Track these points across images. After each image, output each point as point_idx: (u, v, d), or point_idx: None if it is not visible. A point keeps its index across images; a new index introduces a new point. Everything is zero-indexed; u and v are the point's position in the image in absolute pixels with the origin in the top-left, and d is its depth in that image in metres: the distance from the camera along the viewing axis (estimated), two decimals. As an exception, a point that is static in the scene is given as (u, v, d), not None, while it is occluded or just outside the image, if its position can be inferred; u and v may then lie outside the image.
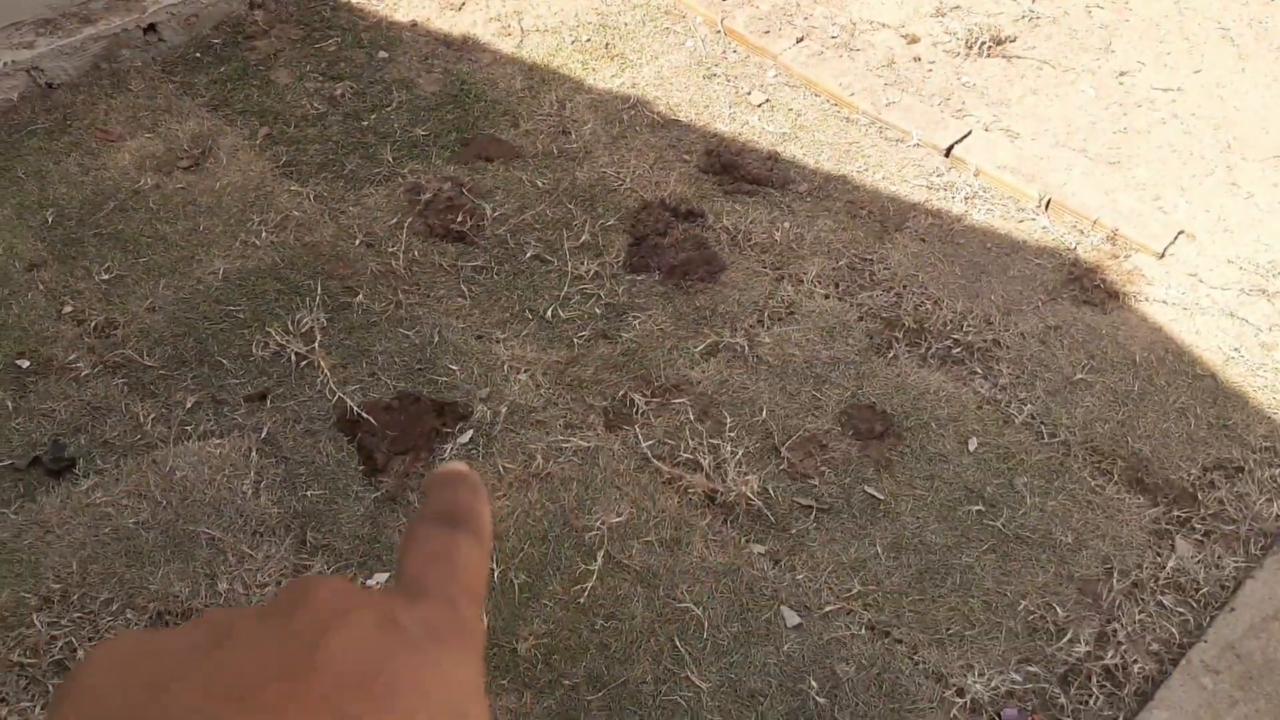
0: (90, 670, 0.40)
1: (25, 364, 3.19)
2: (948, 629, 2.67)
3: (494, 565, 2.75)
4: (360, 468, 2.98)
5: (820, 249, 3.62)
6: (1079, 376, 3.23)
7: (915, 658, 2.62)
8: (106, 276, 3.44)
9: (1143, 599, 2.74)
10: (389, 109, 4.08)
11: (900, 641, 2.65)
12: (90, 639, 2.56)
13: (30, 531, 2.77)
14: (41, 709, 2.44)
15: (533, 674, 2.57)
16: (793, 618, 2.69)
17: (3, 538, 2.75)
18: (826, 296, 3.47)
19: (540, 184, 3.81)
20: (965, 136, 4.02)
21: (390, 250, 3.56)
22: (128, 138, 3.90)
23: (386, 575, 2.74)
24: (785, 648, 2.63)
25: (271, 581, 2.69)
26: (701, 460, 2.98)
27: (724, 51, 4.43)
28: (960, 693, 2.55)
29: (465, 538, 0.49)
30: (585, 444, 3.04)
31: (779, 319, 3.39)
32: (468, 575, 0.48)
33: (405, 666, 0.41)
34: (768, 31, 4.45)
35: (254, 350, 3.24)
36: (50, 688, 2.48)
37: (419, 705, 0.40)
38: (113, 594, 2.64)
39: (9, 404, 3.08)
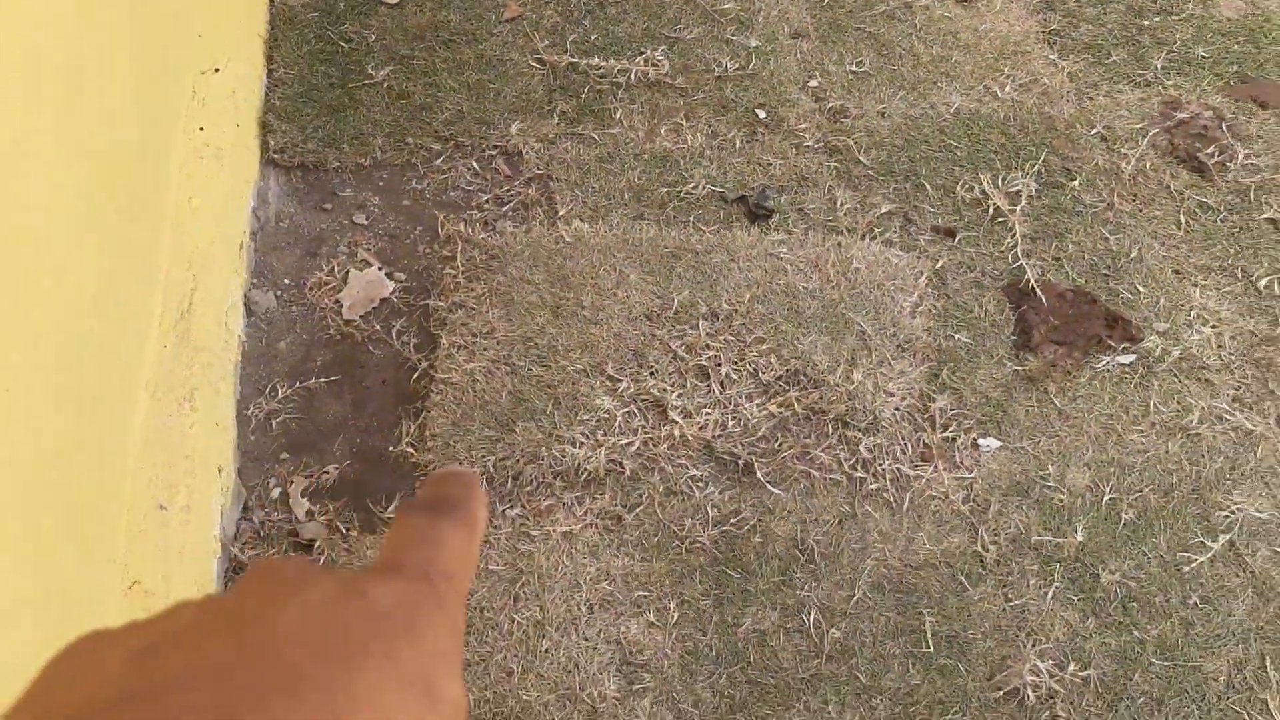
0: (47, 672, 0.38)
1: (762, 114, 3.46)
2: None
3: (1105, 489, 2.63)
4: (1013, 337, 2.94)
5: None
6: None
7: None
8: (855, 69, 3.61)
9: None
10: (1176, 17, 3.80)
11: None
12: (735, 362, 2.81)
13: (718, 252, 3.06)
14: (678, 396, 2.74)
15: (1105, 607, 2.46)
16: None
17: (698, 248, 3.07)
18: None
19: (1311, 151, 3.41)
20: None
21: (1123, 152, 3.38)
22: (917, -46, 4.00)
23: (999, 444, 2.72)
24: (1391, 738, 2.29)
25: (897, 394, 2.77)
26: (1378, 506, 2.61)
27: None
28: None
29: (449, 524, 0.45)
30: (1250, 426, 2.77)
31: None
32: (448, 557, 0.44)
33: (371, 633, 0.37)
34: None
35: (957, 189, 3.26)
36: (689, 384, 2.78)
37: (386, 670, 0.36)
38: (765, 336, 2.87)
39: (737, 142, 3.38)
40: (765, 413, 2.74)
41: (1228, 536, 2.57)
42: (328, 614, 0.37)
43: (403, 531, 0.45)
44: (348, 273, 3.03)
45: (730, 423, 2.72)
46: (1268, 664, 2.38)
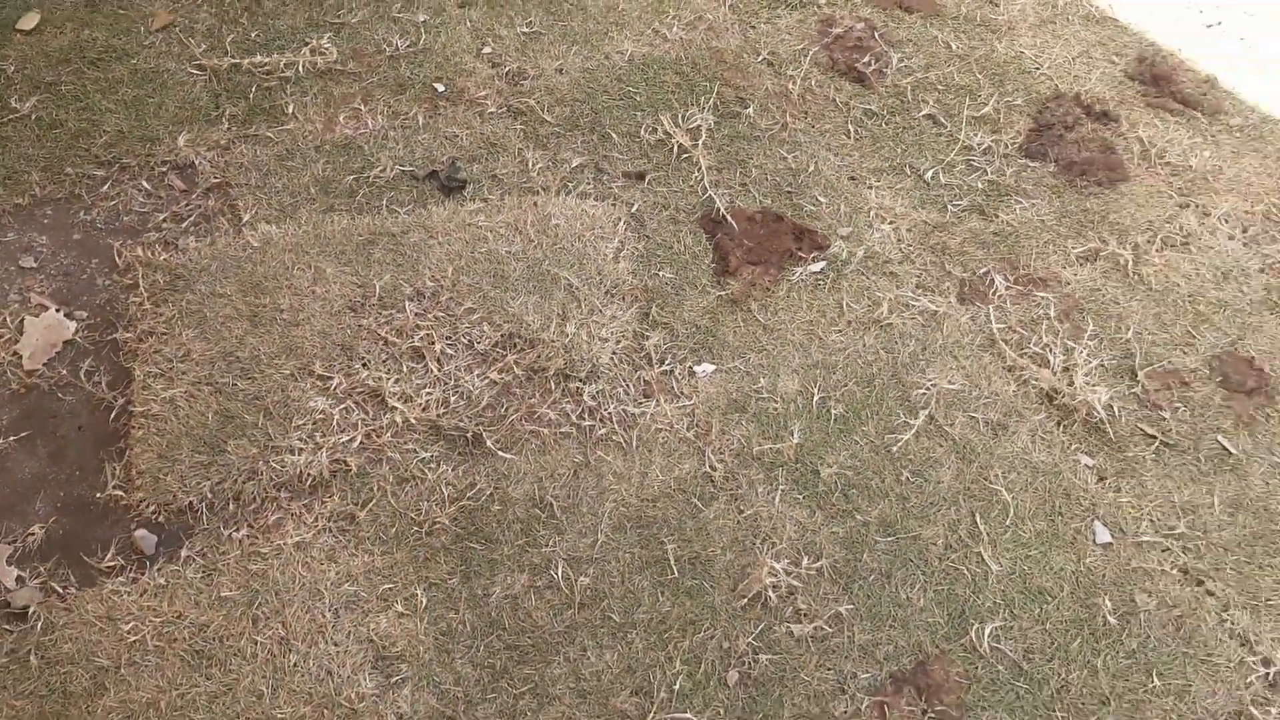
0: None
1: (441, 88, 3.43)
2: (1268, 599, 2.48)
3: (814, 390, 2.78)
4: (712, 265, 3.05)
5: (1237, 188, 3.32)
6: None
7: (1225, 615, 2.46)
8: (526, 30, 3.62)
9: None
10: (820, -61, 4.01)
11: (1212, 595, 2.49)
12: (448, 338, 2.80)
13: (416, 232, 3.02)
14: (395, 382, 2.71)
15: (829, 499, 2.60)
16: (1104, 535, 2.57)
17: (394, 231, 3.02)
18: (1231, 238, 3.19)
19: (954, 46, 3.67)
20: None
21: (789, 74, 3.55)
22: (572, -90, 4.04)
23: (713, 367, 2.82)
24: (1087, 560, 2.53)
25: (612, 339, 2.83)
26: (1051, 358, 2.86)
27: (1186, -40, 4.06)
28: (1265, 663, 2.38)
29: None
30: (934, 307, 2.98)
31: (1172, 245, 3.16)
32: None
33: None
34: (1243, -50, 4.03)
35: (642, 133, 3.34)
36: (405, 368, 2.74)
37: None
38: (475, 305, 2.86)
39: (420, 119, 3.34)
40: (486, 381, 2.74)
41: (926, 412, 2.76)
42: None
43: None
44: (22, 321, 2.82)
45: (453, 398, 2.71)
46: (977, 519, 2.58)
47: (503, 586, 2.44)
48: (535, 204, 3.11)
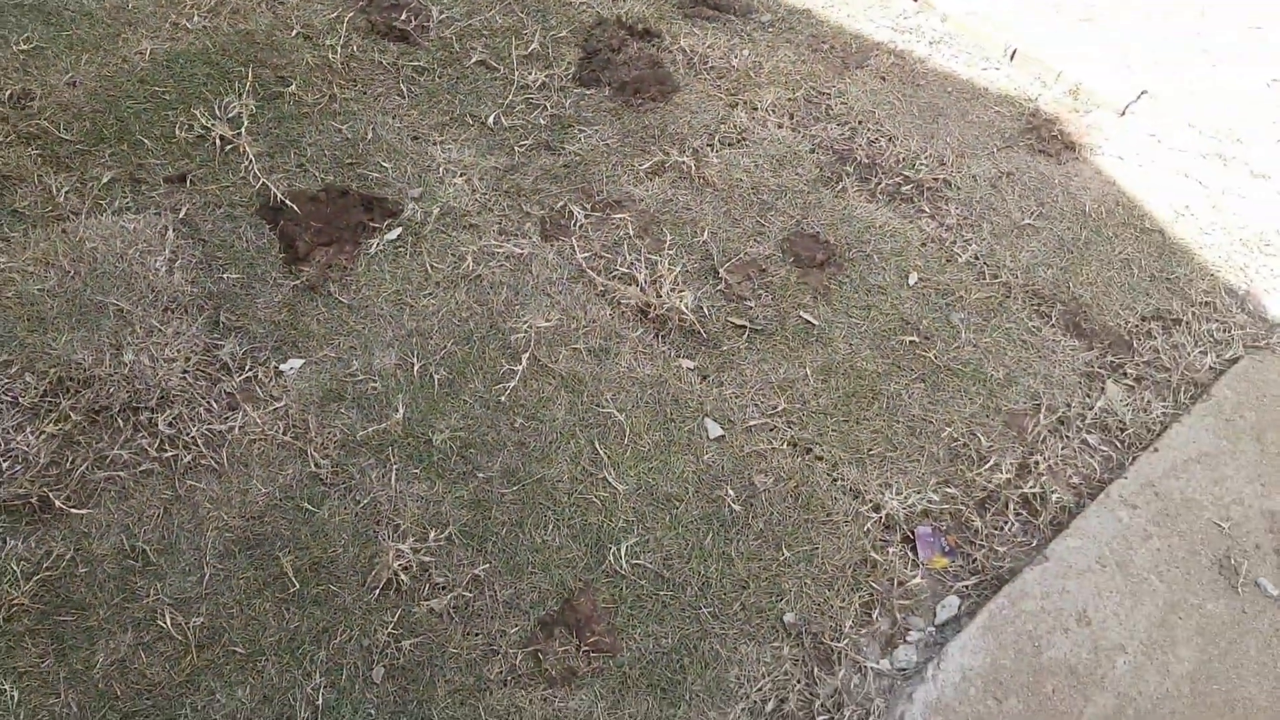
0: None
1: (-69, 127, 3.01)
2: (869, 450, 2.64)
3: (413, 359, 2.67)
4: (281, 255, 2.86)
5: (778, 79, 3.50)
6: (1026, 222, 3.18)
7: (834, 474, 2.59)
8: (25, 47, 3.23)
9: (1068, 435, 2.72)
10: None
11: (821, 459, 2.62)
12: (-15, 400, 2.46)
13: (-73, 292, 2.64)
14: (-70, 464, 2.35)
15: (447, 465, 2.51)
16: (715, 430, 2.64)
17: (-103, 296, 2.62)
18: (780, 126, 3.36)
19: (492, -10, 3.64)
20: (937, -19, 3.88)
21: (328, 44, 3.38)
22: (54, -92, 3.64)
23: (301, 361, 2.65)
24: (705, 457, 2.59)
25: (180, 357, 2.58)
26: (637, 275, 2.90)
27: (696, -124, 4.22)
28: (876, 509, 2.53)
29: None
30: (519, 250, 2.94)
31: (729, 144, 3.28)
32: None
33: None
34: None
35: (177, 132, 3.08)
36: (-59, 445, 2.39)
37: None
38: (12, 357, 2.53)
39: (-89, 166, 2.91)
40: (42, 437, 2.43)
41: (529, 355, 2.72)
42: None
43: None
44: None
45: (5, 465, 2.38)
46: (597, 446, 2.58)
47: (106, 653, 2.18)
48: (65, 232, 2.78)
